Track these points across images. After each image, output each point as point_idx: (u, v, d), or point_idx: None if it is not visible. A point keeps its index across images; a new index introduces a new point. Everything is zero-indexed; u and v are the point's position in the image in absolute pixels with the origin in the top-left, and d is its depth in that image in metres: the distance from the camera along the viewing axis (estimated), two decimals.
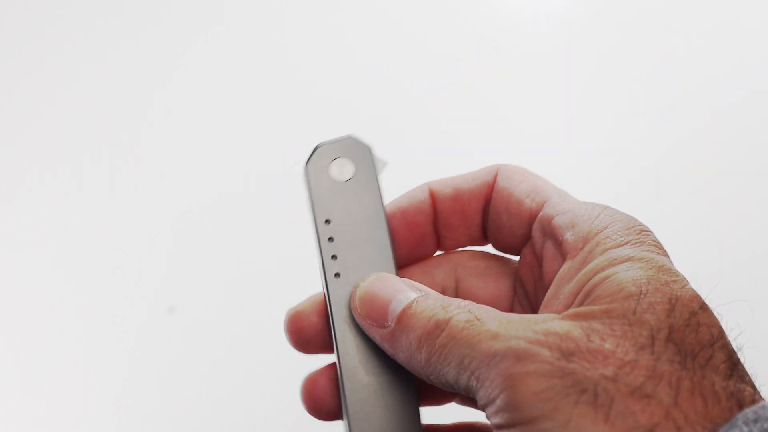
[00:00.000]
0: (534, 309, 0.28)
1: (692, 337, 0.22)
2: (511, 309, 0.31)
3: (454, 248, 0.32)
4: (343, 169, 0.29)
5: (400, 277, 0.30)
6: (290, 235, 0.73)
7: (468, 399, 0.30)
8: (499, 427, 0.23)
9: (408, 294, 0.27)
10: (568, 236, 0.27)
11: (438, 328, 0.25)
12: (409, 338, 0.26)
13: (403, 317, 0.27)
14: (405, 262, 0.32)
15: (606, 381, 0.21)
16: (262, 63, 0.79)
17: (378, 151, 0.30)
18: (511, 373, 0.22)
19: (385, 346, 0.28)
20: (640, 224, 0.26)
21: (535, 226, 0.29)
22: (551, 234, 0.28)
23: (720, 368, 0.22)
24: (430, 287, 0.29)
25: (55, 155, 0.77)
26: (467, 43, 0.79)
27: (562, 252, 0.27)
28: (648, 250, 0.25)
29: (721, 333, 0.23)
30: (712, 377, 0.21)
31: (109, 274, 0.73)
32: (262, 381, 0.70)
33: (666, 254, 0.25)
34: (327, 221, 0.29)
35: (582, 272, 0.25)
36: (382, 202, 0.30)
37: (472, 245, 0.32)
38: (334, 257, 0.29)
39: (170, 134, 0.77)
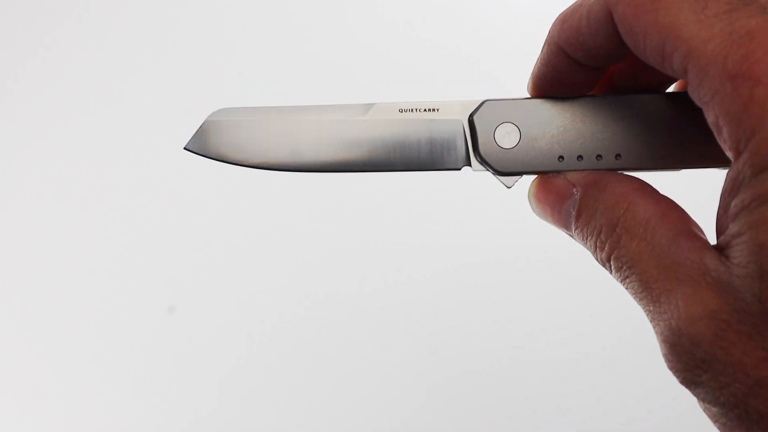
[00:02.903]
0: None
1: None
2: None
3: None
4: (508, 135, 0.28)
5: None
6: (291, 234, 0.72)
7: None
8: None
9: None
10: (725, 133, 0.21)
11: (614, 223, 0.24)
12: (597, 221, 0.25)
13: (596, 184, 0.26)
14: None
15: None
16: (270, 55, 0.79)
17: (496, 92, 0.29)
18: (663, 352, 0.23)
19: (563, 227, 0.27)
20: None
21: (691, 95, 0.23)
22: (708, 117, 0.22)
23: None
24: None
25: (55, 155, 0.76)
26: (473, 38, 0.79)
27: (727, 147, 0.22)
28: None
29: None
30: None
31: (110, 274, 0.72)
32: (262, 380, 0.70)
33: None
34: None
35: (733, 203, 0.21)
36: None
37: None
38: None
39: (169, 134, 0.77)
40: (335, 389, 0.69)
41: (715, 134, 0.22)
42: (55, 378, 0.70)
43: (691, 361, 0.21)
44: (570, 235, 0.27)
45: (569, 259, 0.65)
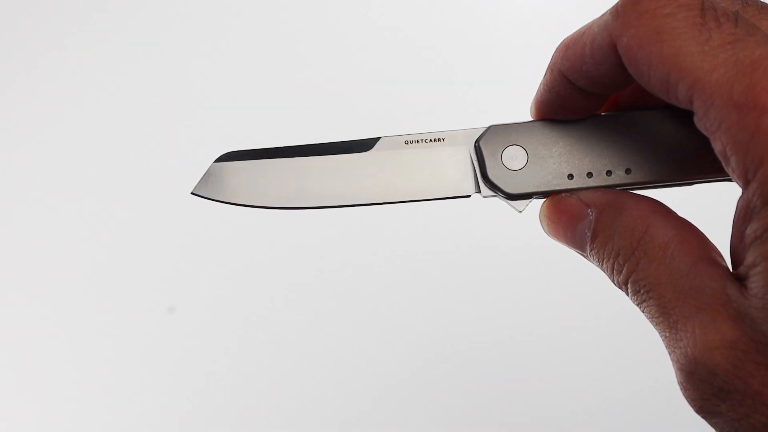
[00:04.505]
0: None
1: None
2: None
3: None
4: (515, 157, 0.28)
5: None
6: (290, 233, 0.72)
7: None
8: None
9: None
10: (733, 163, 0.21)
11: (633, 246, 0.24)
12: (615, 244, 0.24)
13: (612, 205, 0.25)
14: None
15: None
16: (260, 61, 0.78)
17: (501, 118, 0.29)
18: (680, 382, 0.22)
19: (577, 248, 0.26)
20: None
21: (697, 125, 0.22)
22: (715, 146, 0.22)
23: None
24: None
25: (56, 156, 0.76)
26: (464, 39, 0.78)
27: (735, 176, 0.21)
28: None
29: None
30: None
31: (110, 275, 0.72)
32: (263, 380, 0.70)
33: None
34: None
35: (746, 232, 0.21)
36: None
37: None
38: None
39: (168, 134, 0.76)
40: (336, 388, 0.69)
41: (723, 163, 0.21)
42: (56, 378, 0.70)
43: (708, 390, 0.21)
44: (584, 256, 0.26)
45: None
